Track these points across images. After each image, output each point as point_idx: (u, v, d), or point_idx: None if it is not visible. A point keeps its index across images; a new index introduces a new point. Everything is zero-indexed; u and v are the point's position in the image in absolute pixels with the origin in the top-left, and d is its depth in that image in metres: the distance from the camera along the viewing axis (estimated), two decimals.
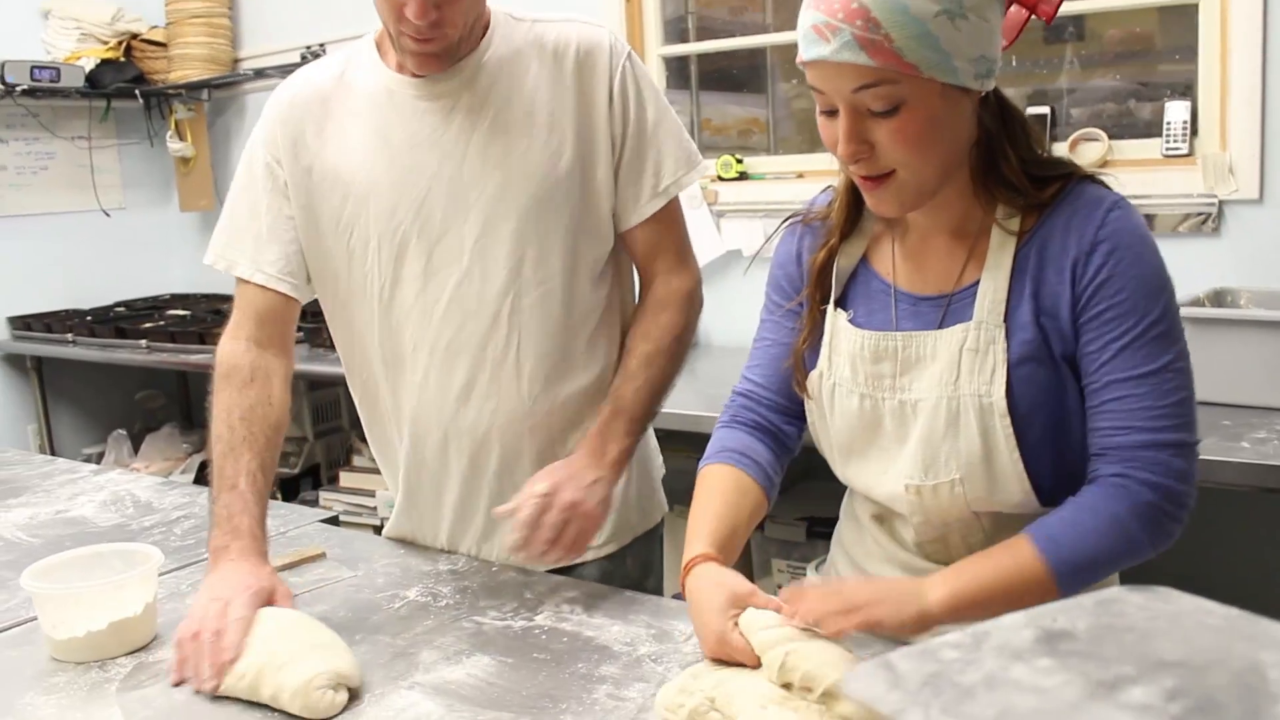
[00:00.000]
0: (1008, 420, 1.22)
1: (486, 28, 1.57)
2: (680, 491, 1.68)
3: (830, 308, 1.35)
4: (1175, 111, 2.80)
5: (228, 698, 1.23)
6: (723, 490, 1.37)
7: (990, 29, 1.16)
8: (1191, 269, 2.67)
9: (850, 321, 1.33)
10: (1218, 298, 2.53)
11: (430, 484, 1.66)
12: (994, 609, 1.11)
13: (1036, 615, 0.68)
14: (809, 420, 1.40)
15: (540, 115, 1.54)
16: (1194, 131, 2.78)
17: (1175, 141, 2.79)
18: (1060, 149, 2.95)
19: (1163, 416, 1.17)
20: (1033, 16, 1.23)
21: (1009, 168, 1.22)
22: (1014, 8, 1.23)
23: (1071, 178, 1.23)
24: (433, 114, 1.54)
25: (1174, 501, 1.18)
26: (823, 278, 1.36)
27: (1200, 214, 2.72)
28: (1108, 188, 1.24)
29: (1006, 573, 1.17)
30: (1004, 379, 1.22)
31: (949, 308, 1.27)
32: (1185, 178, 2.74)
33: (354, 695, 1.22)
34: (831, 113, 1.19)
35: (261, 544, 1.44)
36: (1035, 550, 1.16)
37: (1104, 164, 2.87)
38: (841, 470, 1.38)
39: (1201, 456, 2.01)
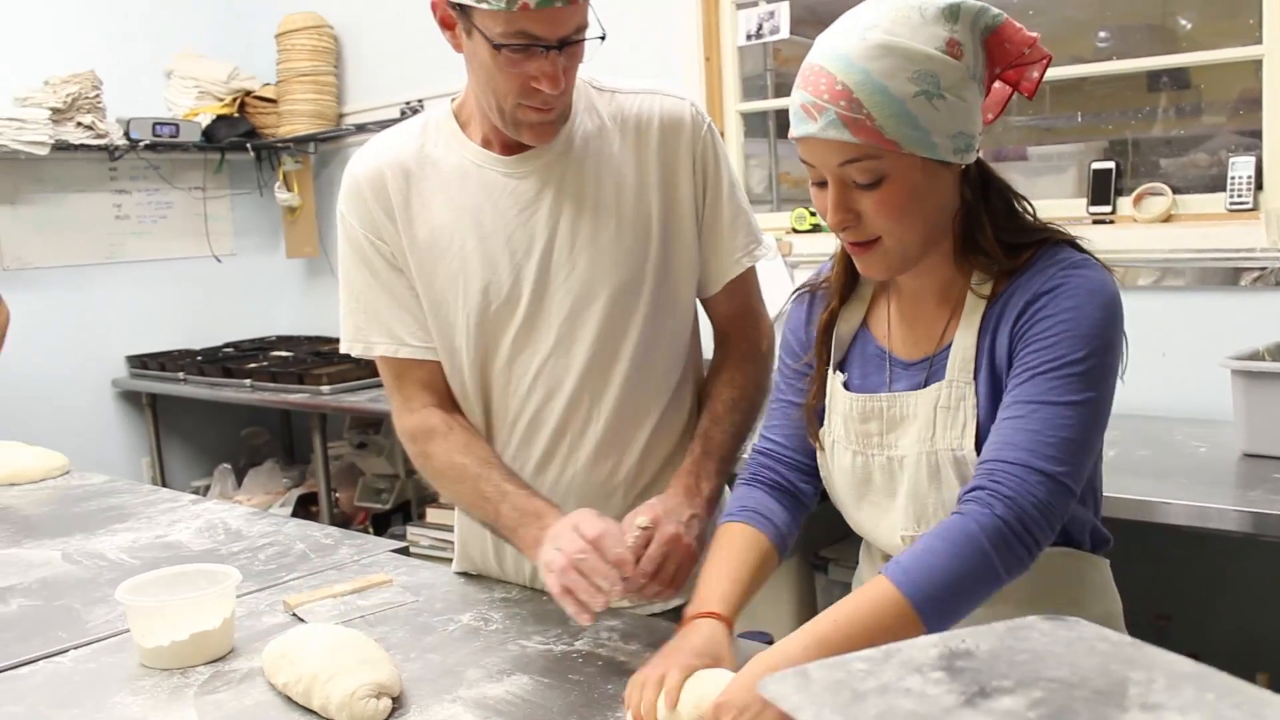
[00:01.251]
0: None
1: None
2: None
3: (830, 370, 1.44)
4: (1240, 166, 2.83)
5: (292, 702, 1.37)
6: (740, 548, 1.42)
7: (968, 108, 1.24)
8: (1254, 323, 2.70)
9: (845, 385, 1.41)
10: (1279, 351, 2.55)
11: None
12: (859, 649, 1.17)
13: (948, 637, 0.78)
14: (821, 472, 1.49)
15: (627, 194, 1.58)
16: (1259, 185, 2.81)
17: (1240, 195, 2.82)
18: (1124, 203, 3.00)
19: (1045, 445, 1.19)
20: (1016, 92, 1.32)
21: (984, 237, 1.29)
22: (998, 84, 1.32)
23: (1046, 242, 1.30)
24: (522, 193, 1.57)
25: (1024, 525, 1.17)
26: (825, 340, 1.45)
27: (1264, 268, 2.74)
28: (1080, 250, 1.30)
29: (863, 611, 1.18)
30: (974, 433, 1.29)
31: (930, 369, 1.35)
32: (1249, 232, 2.77)
33: (401, 707, 1.35)
34: (822, 184, 1.28)
35: (556, 512, 1.48)
36: (889, 583, 1.18)
37: (1168, 218, 2.92)
38: (848, 518, 1.47)
39: (1252, 509, 2.08)
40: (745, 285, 1.72)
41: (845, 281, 1.44)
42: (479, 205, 1.58)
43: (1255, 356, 2.47)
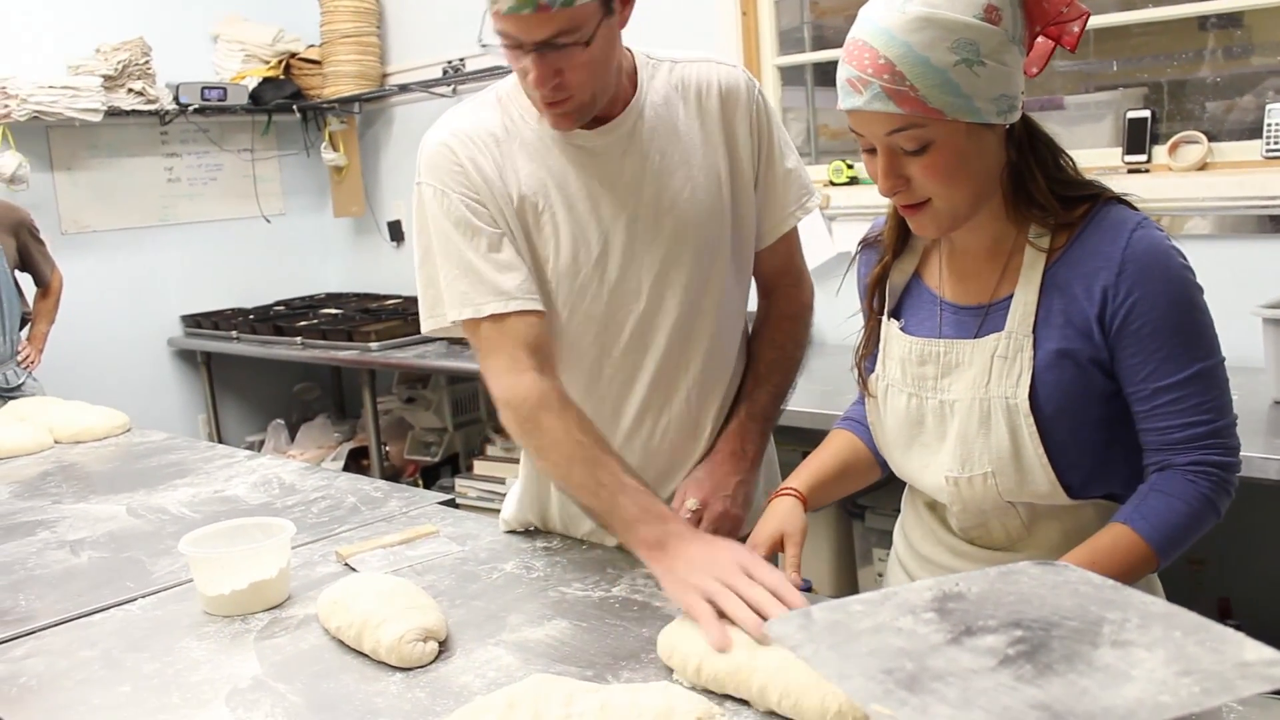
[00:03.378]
0: (1031, 420, 1.35)
1: (634, 77, 1.64)
2: None
3: (885, 318, 1.51)
4: (1277, 113, 2.82)
5: (345, 646, 1.46)
6: (834, 447, 1.63)
7: (1008, 71, 1.28)
8: None
9: (901, 329, 1.48)
10: None
11: None
12: None
13: (943, 581, 0.84)
14: (870, 419, 1.56)
15: (697, 158, 1.65)
16: None
17: (1277, 143, 2.81)
18: (1160, 152, 3.00)
19: (1212, 409, 1.33)
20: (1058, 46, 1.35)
21: (1037, 189, 1.34)
22: (1041, 39, 1.34)
23: (1098, 199, 1.35)
24: (605, 163, 1.62)
25: (1235, 471, 1.36)
26: (878, 291, 1.52)
27: None
28: (1133, 208, 1.35)
29: (1104, 550, 1.30)
30: (1029, 383, 1.35)
31: (986, 318, 1.40)
32: None
33: (446, 650, 1.44)
34: (871, 151, 1.33)
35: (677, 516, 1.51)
36: (1129, 530, 1.31)
37: (1203, 166, 2.91)
38: (895, 463, 1.53)
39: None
40: (792, 240, 1.80)
41: (898, 237, 1.51)
42: (564, 174, 1.63)
43: None
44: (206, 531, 1.69)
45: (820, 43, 3.95)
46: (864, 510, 3.13)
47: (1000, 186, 1.37)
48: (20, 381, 3.99)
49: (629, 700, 1.19)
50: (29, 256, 4.08)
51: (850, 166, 3.65)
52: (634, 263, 1.65)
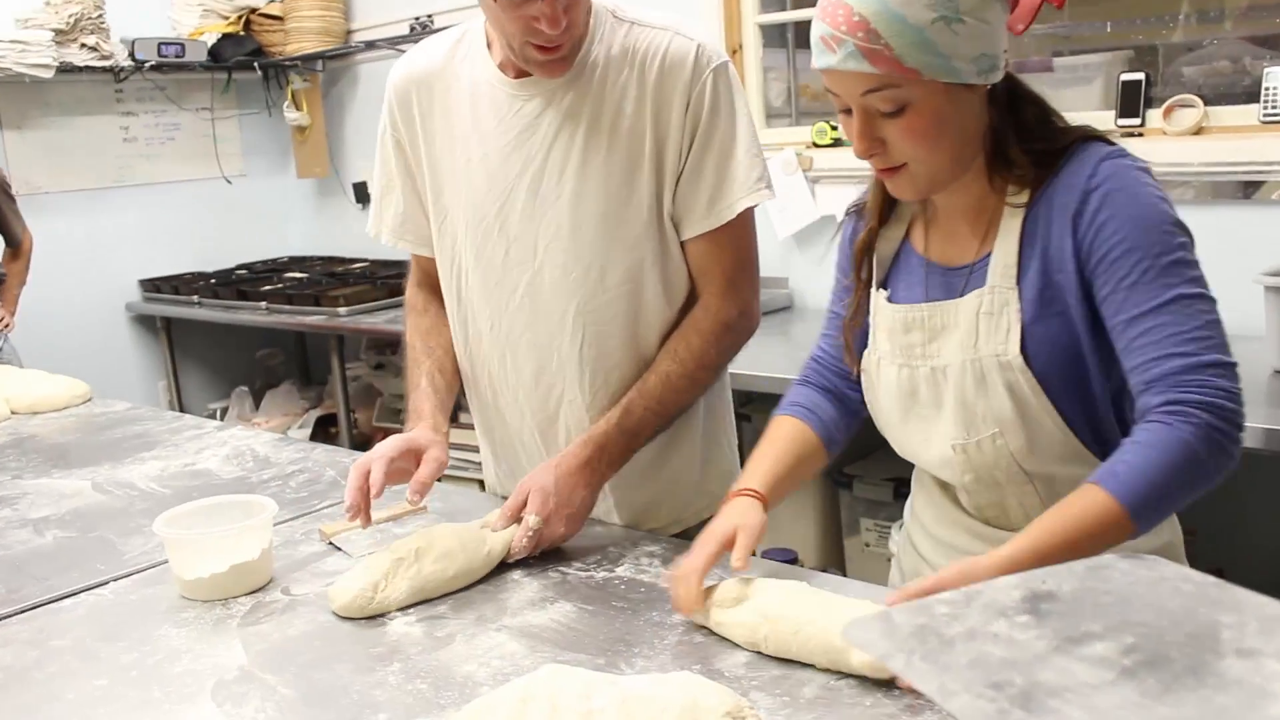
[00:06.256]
0: (1029, 373, 1.28)
1: (588, 27, 1.59)
2: None
3: (874, 288, 1.44)
4: (1275, 76, 2.76)
5: (336, 634, 1.38)
6: (785, 438, 1.50)
7: (990, 29, 1.22)
8: None
9: (888, 299, 1.41)
10: None
11: (513, 443, 1.80)
12: (1072, 557, 1.01)
13: (1028, 578, 0.77)
14: (866, 396, 1.49)
15: (622, 126, 1.58)
16: None
17: (1275, 106, 2.76)
18: (1154, 116, 2.94)
19: (1193, 340, 1.18)
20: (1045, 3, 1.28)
21: (1015, 152, 1.28)
22: None
23: (1075, 145, 1.28)
24: (525, 116, 1.60)
25: (1227, 419, 1.17)
26: (865, 260, 1.45)
27: None
28: (1109, 143, 1.28)
29: (1077, 520, 1.15)
30: (1019, 337, 1.28)
31: (970, 277, 1.35)
32: None
33: (449, 637, 1.36)
34: (848, 111, 1.27)
35: (437, 420, 1.71)
36: (1103, 493, 1.15)
37: (1198, 131, 2.86)
38: (895, 441, 1.47)
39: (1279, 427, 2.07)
40: (717, 246, 1.65)
41: (883, 204, 1.44)
42: (486, 123, 1.63)
43: None
44: (183, 510, 1.58)
45: (802, 1, 3.86)
46: (851, 480, 3.07)
47: (983, 148, 1.31)
48: None
49: (651, 693, 1.11)
50: (0, 215, 3.93)
51: (834, 128, 3.57)
52: (531, 223, 1.62)
